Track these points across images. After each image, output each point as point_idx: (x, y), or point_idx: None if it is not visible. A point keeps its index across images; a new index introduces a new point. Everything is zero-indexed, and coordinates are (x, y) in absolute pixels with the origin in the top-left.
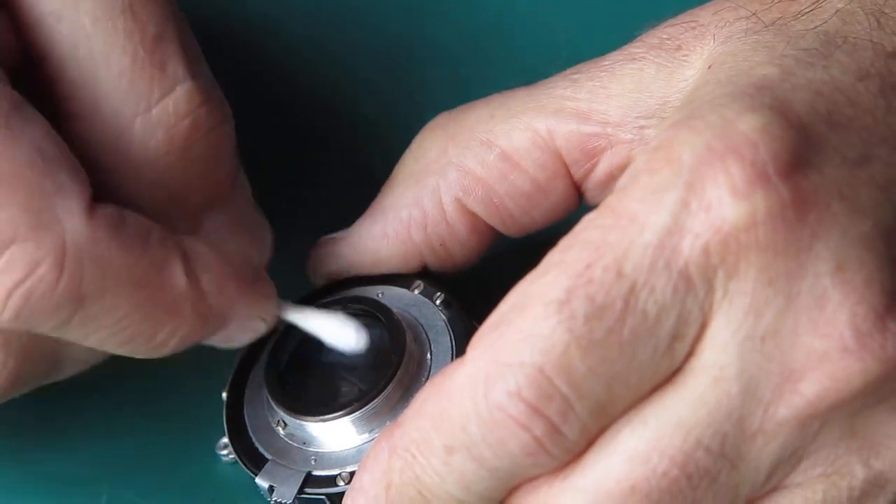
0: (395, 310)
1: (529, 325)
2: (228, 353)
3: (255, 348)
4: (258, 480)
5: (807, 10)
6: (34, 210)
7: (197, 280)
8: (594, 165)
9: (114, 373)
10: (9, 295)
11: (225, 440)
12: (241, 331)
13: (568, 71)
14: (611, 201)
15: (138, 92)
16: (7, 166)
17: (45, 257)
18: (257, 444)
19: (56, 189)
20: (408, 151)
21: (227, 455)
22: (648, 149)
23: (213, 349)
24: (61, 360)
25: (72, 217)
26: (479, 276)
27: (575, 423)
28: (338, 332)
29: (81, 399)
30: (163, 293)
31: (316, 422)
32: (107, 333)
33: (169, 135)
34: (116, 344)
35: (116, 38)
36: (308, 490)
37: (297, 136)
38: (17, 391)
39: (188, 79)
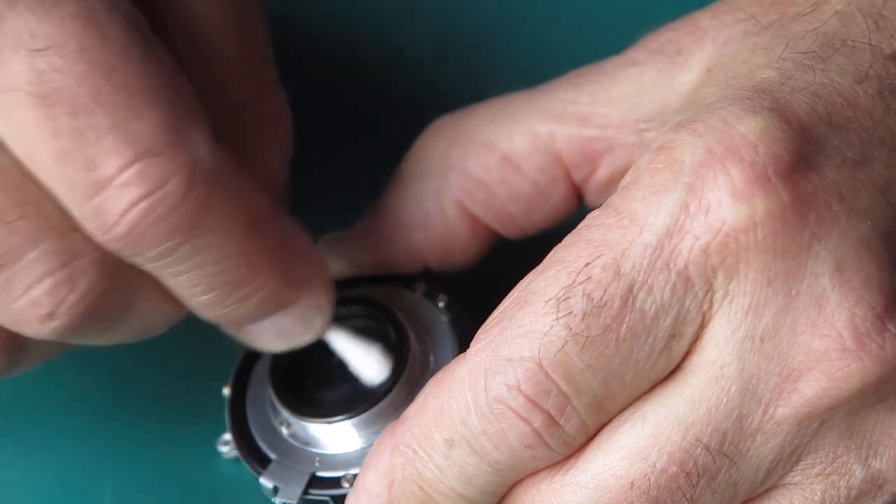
0: (397, 311)
1: (529, 321)
2: (229, 350)
3: None
4: (262, 480)
5: (805, 12)
6: (171, 126)
7: (292, 239)
8: (595, 169)
9: (115, 370)
10: (129, 208)
11: (226, 437)
12: (296, 324)
13: (569, 75)
14: (613, 200)
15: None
16: (150, 80)
17: (176, 173)
18: (260, 444)
19: (191, 111)
20: (410, 153)
21: (229, 452)
22: (651, 149)
23: (212, 347)
24: (129, 311)
25: (204, 141)
26: (480, 276)
27: (573, 417)
28: (362, 361)
29: (84, 397)
30: (267, 241)
31: (320, 423)
32: (203, 274)
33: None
34: (206, 288)
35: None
36: (312, 491)
37: (298, 137)
38: (83, 332)
39: None
